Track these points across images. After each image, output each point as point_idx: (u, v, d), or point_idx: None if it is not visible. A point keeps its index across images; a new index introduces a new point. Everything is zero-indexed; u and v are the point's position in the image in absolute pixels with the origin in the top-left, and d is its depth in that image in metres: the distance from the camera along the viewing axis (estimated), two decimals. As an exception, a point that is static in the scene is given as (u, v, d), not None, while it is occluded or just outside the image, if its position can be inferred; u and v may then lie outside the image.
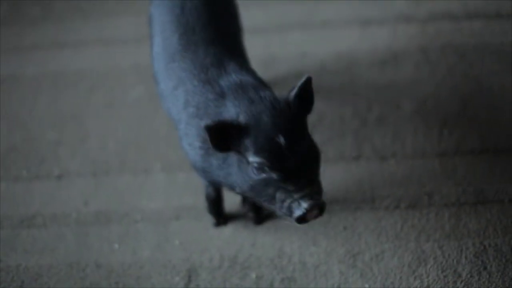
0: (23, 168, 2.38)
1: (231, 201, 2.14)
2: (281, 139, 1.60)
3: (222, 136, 1.63)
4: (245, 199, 2.10)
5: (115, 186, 2.28)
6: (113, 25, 2.95)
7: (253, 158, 1.62)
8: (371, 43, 2.66)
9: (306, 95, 1.69)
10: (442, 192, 2.14)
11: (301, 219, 1.63)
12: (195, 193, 2.21)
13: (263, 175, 1.63)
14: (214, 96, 1.74)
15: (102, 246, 2.12)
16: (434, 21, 2.72)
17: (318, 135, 2.33)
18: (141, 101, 2.56)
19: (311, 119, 2.35)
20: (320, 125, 2.37)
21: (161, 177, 2.28)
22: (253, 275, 2.00)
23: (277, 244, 2.07)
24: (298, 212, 1.61)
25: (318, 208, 1.62)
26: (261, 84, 1.77)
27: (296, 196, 1.61)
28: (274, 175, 1.62)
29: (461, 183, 2.16)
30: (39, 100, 2.63)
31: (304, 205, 1.60)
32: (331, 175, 2.22)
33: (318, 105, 2.42)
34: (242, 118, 1.65)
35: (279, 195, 1.63)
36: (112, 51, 2.81)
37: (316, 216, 1.64)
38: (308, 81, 1.69)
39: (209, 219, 2.13)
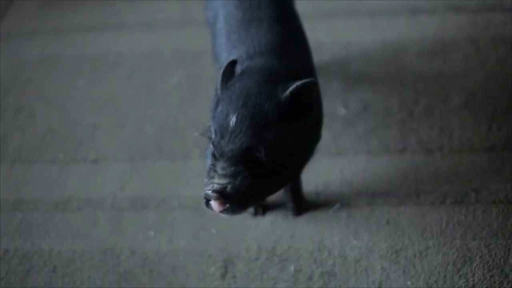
0: (59, 151, 2.34)
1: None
2: (233, 120, 1.54)
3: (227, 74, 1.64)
4: (285, 188, 2.04)
5: (152, 172, 2.23)
6: (156, 8, 2.92)
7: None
8: (419, 33, 2.58)
9: (301, 101, 1.59)
10: (490, 188, 2.05)
11: (206, 202, 1.58)
12: (234, 182, 2.15)
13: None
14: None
15: (137, 233, 2.07)
16: (485, 12, 2.63)
17: (362, 126, 2.26)
18: (181, 86, 2.51)
19: (355, 109, 2.30)
20: (365, 115, 2.29)
21: (199, 164, 2.21)
22: (292, 268, 1.93)
23: (317, 236, 2.00)
24: (204, 193, 1.56)
25: (222, 200, 1.54)
26: (281, 75, 1.66)
27: (215, 177, 1.55)
28: (212, 147, 1.58)
29: (510, 179, 2.07)
30: (77, 83, 2.60)
31: (208, 187, 1.55)
32: (375, 168, 2.14)
33: (363, 94, 2.37)
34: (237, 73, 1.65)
35: (209, 171, 1.58)
36: (154, 35, 2.78)
37: (224, 209, 1.56)
38: (306, 87, 1.58)
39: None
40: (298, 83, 1.57)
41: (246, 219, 2.06)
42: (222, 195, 1.53)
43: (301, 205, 2.06)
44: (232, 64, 1.65)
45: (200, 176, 2.14)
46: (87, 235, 2.08)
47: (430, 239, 1.95)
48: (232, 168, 1.55)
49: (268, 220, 2.06)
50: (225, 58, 1.81)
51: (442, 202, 2.03)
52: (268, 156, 1.55)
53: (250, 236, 2.02)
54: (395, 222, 2.00)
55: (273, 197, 2.06)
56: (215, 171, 1.56)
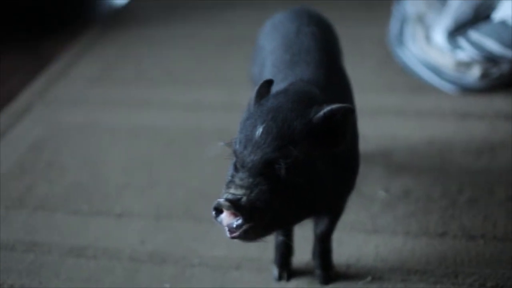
0: (84, 202, 2.26)
1: (300, 257, 1.95)
2: (259, 131, 1.45)
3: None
4: (314, 253, 1.92)
5: (176, 231, 2.13)
6: (202, 92, 2.93)
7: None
8: (467, 135, 2.50)
9: (334, 125, 1.49)
10: (537, 277, 1.89)
11: (216, 213, 1.45)
12: (263, 247, 2.00)
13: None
14: None
15: (152, 284, 1.94)
16: (536, 121, 2.57)
17: (401, 209, 2.14)
18: (217, 158, 2.41)
19: (396, 193, 2.19)
20: (405, 199, 2.18)
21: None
22: (313, 338, 1.77)
23: (343, 307, 1.85)
24: (215, 202, 1.43)
25: (233, 212, 1.41)
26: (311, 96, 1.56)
27: (232, 187, 1.44)
28: (233, 155, 1.50)
29: (559, 271, 1.92)
30: (113, 147, 2.57)
31: (222, 197, 1.42)
32: (412, 248, 2.00)
33: (405, 180, 2.27)
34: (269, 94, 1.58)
35: (228, 182, 1.47)
36: (197, 114, 2.77)
37: (235, 223, 1.42)
38: (341, 111, 1.48)
39: (272, 273, 1.93)
40: (333, 106, 1.48)
41: (269, 282, 1.92)
42: (234, 205, 1.41)
43: (330, 273, 1.92)
44: (268, 82, 1.59)
45: (227, 239, 2.04)
46: (98, 281, 1.96)
47: (468, 320, 1.78)
48: (251, 180, 1.44)
49: (292, 285, 1.91)
50: None
51: (482, 284, 1.87)
52: (288, 171, 1.44)
53: (272, 300, 1.88)
54: (430, 300, 1.85)
55: (301, 263, 1.95)
56: (233, 181, 1.46)
